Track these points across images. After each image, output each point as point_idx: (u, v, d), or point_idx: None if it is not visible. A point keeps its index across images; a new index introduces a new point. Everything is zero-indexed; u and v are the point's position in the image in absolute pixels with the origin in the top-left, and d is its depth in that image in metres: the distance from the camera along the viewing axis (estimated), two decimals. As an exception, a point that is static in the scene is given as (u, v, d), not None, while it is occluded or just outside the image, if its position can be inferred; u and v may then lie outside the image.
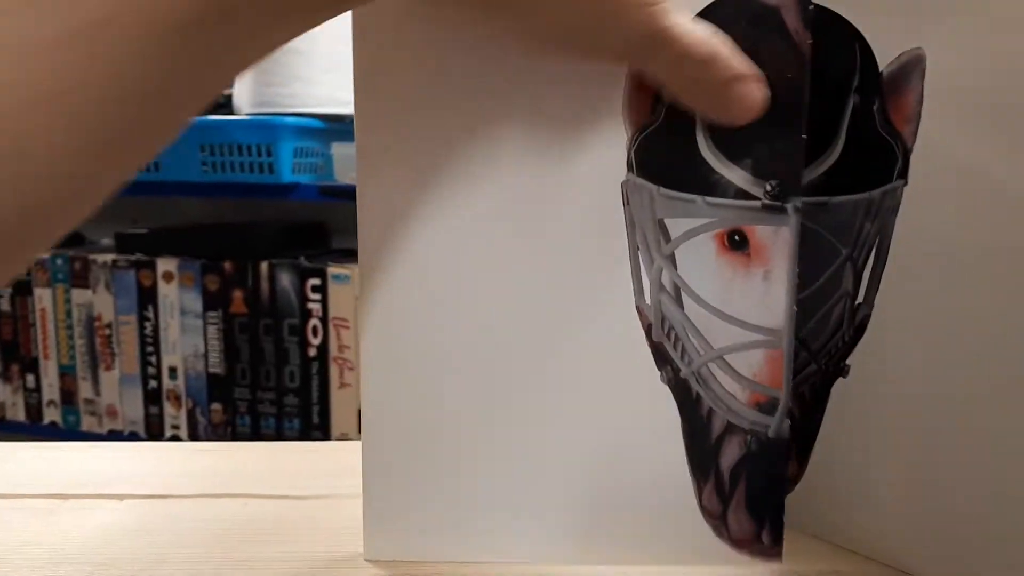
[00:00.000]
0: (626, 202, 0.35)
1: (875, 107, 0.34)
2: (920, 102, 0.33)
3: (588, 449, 0.38)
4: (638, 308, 0.36)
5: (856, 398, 0.38)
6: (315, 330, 1.56)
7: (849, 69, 0.35)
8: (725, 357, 0.38)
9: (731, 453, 0.38)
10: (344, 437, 1.57)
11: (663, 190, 0.36)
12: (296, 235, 1.61)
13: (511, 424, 0.36)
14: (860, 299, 0.36)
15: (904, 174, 0.34)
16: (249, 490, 0.41)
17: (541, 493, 0.37)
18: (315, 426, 1.60)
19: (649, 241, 0.36)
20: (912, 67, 0.33)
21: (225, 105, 1.52)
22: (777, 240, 0.37)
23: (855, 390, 0.38)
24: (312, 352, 1.57)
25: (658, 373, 0.37)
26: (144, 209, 1.70)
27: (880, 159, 0.34)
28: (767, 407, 0.38)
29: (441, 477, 0.35)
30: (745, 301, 0.38)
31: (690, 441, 0.38)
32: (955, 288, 0.35)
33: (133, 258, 1.59)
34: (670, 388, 0.37)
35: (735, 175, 0.37)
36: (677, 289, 0.37)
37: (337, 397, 1.57)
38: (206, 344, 1.61)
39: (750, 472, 0.38)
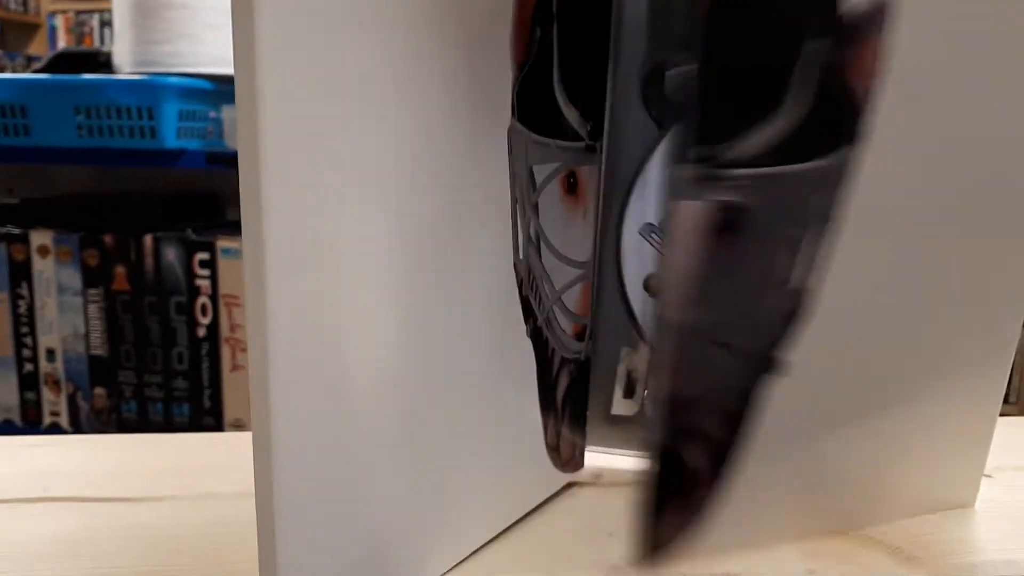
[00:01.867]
0: (509, 151, 0.34)
1: (832, 56, 0.29)
2: (881, 57, 0.28)
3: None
4: (515, 265, 0.35)
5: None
6: (204, 308, 1.51)
7: (803, 7, 0.28)
8: (562, 297, 0.38)
9: (563, 385, 0.39)
10: (238, 423, 1.53)
11: (533, 136, 0.35)
12: (183, 206, 1.56)
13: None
14: (795, 284, 0.31)
15: (852, 139, 0.29)
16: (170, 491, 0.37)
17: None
18: (207, 411, 1.55)
19: (524, 192, 0.35)
20: (876, 13, 0.28)
21: (104, 63, 1.45)
22: (591, 180, 0.38)
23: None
24: (202, 332, 1.52)
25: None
26: (14, 177, 1.61)
27: (831, 121, 0.29)
28: (583, 335, 0.39)
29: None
30: (575, 241, 0.38)
31: (541, 385, 0.38)
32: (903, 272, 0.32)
33: (3, 231, 1.51)
34: (531, 340, 0.37)
35: (573, 116, 0.36)
36: (539, 239, 0.36)
37: (229, 380, 1.52)
38: (87, 324, 1.54)
39: (572, 397, 0.39)
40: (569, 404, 0.39)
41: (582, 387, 0.39)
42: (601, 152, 0.38)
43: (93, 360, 1.56)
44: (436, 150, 0.28)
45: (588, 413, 0.40)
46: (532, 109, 0.34)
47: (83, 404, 1.58)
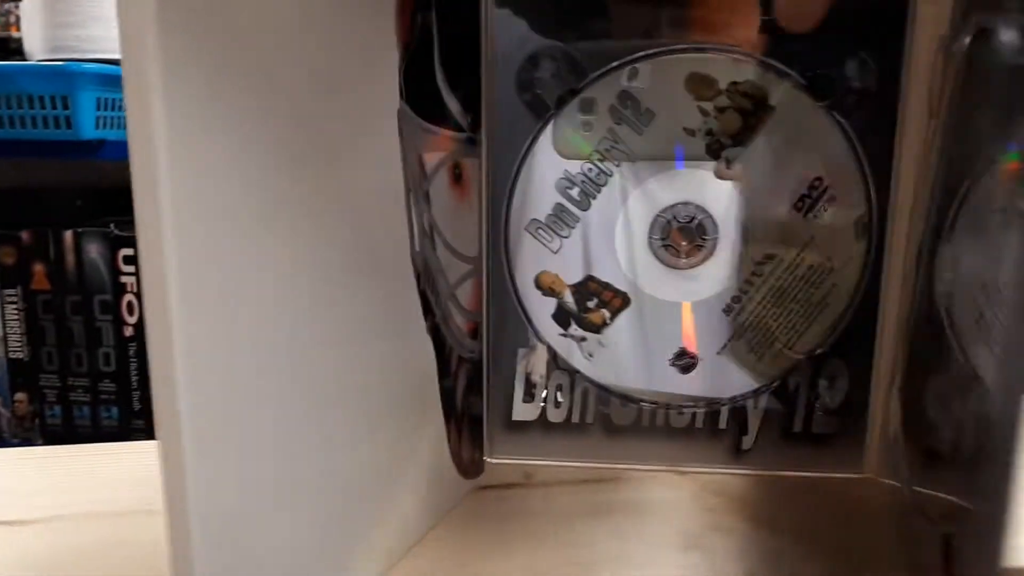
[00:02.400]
0: (400, 134, 0.31)
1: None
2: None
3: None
4: (412, 258, 0.33)
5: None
6: (131, 307, 1.45)
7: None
8: (455, 293, 0.35)
9: (461, 386, 0.37)
10: (170, 426, 1.47)
11: (422, 122, 0.33)
12: (104, 199, 1.49)
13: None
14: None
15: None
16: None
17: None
18: (136, 414, 1.50)
19: (415, 180, 0.33)
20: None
21: (15, 50, 1.38)
22: (475, 172, 0.36)
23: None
24: (129, 332, 1.46)
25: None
26: (-78, 171, 1.53)
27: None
28: (476, 332, 0.37)
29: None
30: (465, 234, 0.36)
31: (441, 386, 0.35)
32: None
33: (-92, 227, 1.43)
34: (431, 338, 0.35)
35: (455, 106, 0.34)
36: (432, 230, 0.34)
37: (159, 381, 1.46)
38: (4, 326, 1.47)
39: (472, 398, 0.37)
40: (467, 407, 0.37)
41: (477, 389, 0.37)
42: (481, 144, 0.35)
43: (13, 364, 1.49)
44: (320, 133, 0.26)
45: (487, 419, 0.38)
46: (418, 94, 0.32)
47: (3, 411, 1.51)
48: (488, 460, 0.38)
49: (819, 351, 0.37)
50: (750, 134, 0.35)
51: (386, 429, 0.31)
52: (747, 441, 0.38)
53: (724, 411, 0.38)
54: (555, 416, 0.38)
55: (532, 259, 0.37)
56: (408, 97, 0.31)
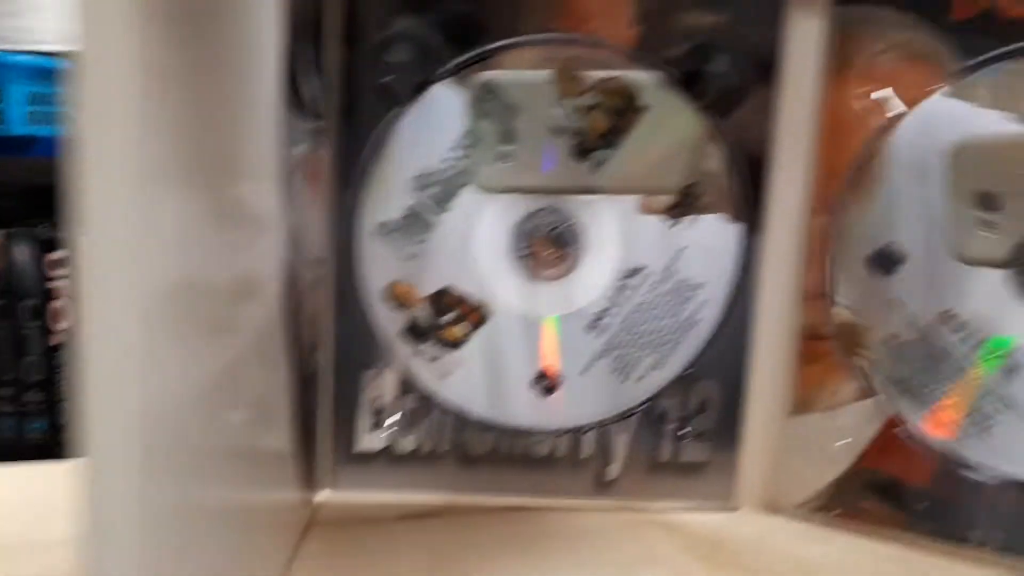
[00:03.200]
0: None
1: None
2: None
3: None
4: (279, 268, 0.30)
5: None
6: (60, 313, 1.41)
7: None
8: (304, 303, 0.33)
9: (307, 407, 0.34)
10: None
11: (290, 114, 0.30)
12: (34, 199, 1.45)
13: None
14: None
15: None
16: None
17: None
18: (65, 426, 1.45)
19: (288, 178, 0.30)
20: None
21: (-55, 41, 1.34)
22: (325, 166, 0.33)
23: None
24: (58, 339, 1.41)
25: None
26: None
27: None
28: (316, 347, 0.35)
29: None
30: (315, 235, 0.34)
31: (292, 409, 0.32)
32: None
33: None
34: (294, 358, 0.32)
35: (312, 91, 0.33)
36: (296, 233, 0.32)
37: (87, 391, 1.42)
38: (-74, 329, 1.42)
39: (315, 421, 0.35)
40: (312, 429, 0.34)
41: (311, 408, 0.34)
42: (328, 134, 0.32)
43: (-65, 369, 1.44)
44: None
45: (330, 449, 0.35)
46: (290, 84, 0.29)
47: (-77, 418, 1.46)
48: (331, 494, 0.35)
49: (689, 371, 0.34)
50: (620, 135, 0.33)
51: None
52: (612, 471, 0.35)
53: (588, 437, 0.35)
54: (404, 446, 0.35)
55: (383, 267, 0.34)
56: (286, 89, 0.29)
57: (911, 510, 0.33)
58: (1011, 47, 0.29)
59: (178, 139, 0.23)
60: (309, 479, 0.34)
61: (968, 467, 0.32)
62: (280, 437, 0.32)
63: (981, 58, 0.30)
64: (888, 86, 0.31)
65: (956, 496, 0.32)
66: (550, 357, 0.35)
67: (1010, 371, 0.31)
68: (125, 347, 0.20)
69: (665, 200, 0.33)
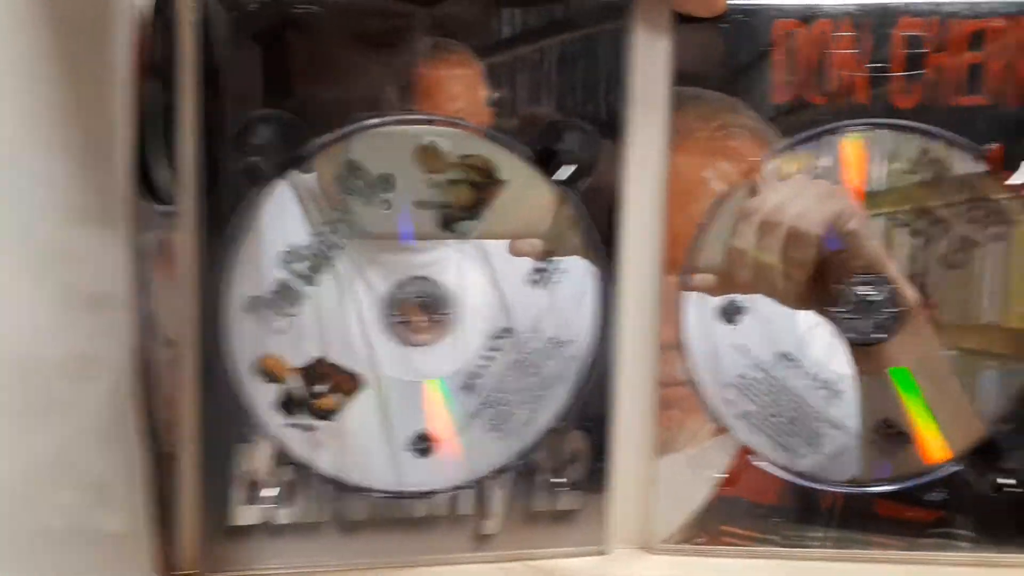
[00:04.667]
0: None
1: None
2: None
3: None
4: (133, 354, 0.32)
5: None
6: None
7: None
8: (161, 382, 0.33)
9: (167, 486, 0.35)
10: None
11: (142, 201, 0.31)
12: None
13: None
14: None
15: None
16: None
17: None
18: None
19: (142, 267, 0.31)
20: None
21: None
22: (180, 247, 0.34)
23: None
24: None
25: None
26: None
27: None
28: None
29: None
30: (172, 317, 0.34)
31: (152, 490, 0.33)
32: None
33: None
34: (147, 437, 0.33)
35: (164, 177, 0.33)
36: (150, 319, 0.32)
37: None
38: None
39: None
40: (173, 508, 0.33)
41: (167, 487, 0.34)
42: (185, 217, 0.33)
43: None
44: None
45: (202, 526, 0.34)
46: (142, 171, 0.30)
47: None
48: (205, 572, 0.34)
49: (560, 424, 0.37)
50: (482, 207, 0.35)
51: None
52: (490, 526, 0.37)
53: (467, 495, 0.37)
54: (282, 518, 0.35)
55: (252, 341, 0.34)
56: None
57: (763, 527, 0.38)
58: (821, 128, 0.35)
59: (21, 222, 0.23)
60: (166, 560, 0.34)
61: (807, 482, 0.37)
62: (126, 518, 0.31)
63: (799, 136, 0.36)
64: (723, 159, 0.36)
65: (799, 508, 0.38)
66: (426, 420, 0.36)
67: (834, 395, 0.37)
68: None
69: (529, 265, 0.36)
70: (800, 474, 0.38)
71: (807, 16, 0.35)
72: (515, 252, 0.36)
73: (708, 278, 0.36)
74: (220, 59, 0.33)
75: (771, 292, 0.36)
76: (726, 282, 0.36)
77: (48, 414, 0.25)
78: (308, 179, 0.34)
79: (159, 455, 0.32)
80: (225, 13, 0.33)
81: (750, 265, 0.36)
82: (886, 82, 0.35)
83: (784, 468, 0.38)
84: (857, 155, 0.36)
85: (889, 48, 0.35)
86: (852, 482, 0.37)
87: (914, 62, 0.35)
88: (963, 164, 0.36)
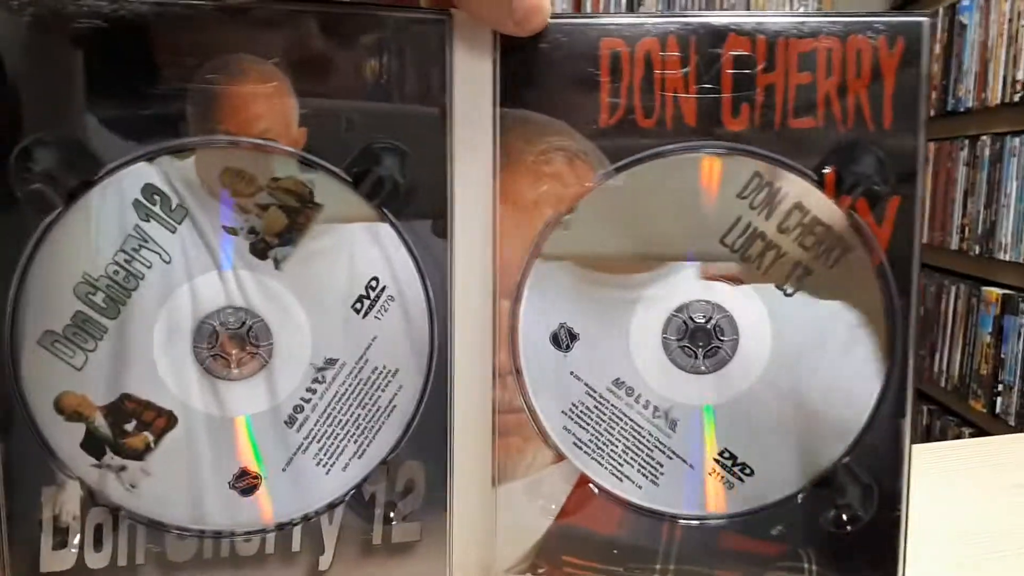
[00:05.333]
0: None
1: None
2: None
3: None
4: None
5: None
6: None
7: None
8: None
9: None
10: None
11: None
12: None
13: None
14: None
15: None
16: None
17: None
18: None
19: None
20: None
21: None
22: None
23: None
24: None
25: None
26: None
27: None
28: None
29: None
30: None
31: None
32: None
33: None
34: None
35: None
36: None
37: None
38: None
39: None
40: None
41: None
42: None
43: None
44: None
45: (8, 573, 0.32)
46: None
47: None
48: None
49: (393, 455, 0.36)
50: (298, 232, 0.34)
51: None
52: (324, 561, 0.36)
53: (297, 531, 0.35)
54: (96, 561, 0.34)
55: (50, 379, 0.32)
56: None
57: (605, 558, 0.37)
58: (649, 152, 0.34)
59: None
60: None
61: (645, 512, 0.36)
62: None
63: (626, 160, 0.34)
64: (552, 182, 0.34)
65: (639, 540, 0.37)
66: (247, 456, 0.35)
67: (673, 425, 0.36)
68: None
69: (352, 293, 0.34)
70: (637, 505, 0.37)
71: (633, 35, 0.33)
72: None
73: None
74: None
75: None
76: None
77: None
78: (104, 203, 0.32)
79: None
80: (7, 24, 0.30)
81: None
82: (716, 104, 0.34)
83: (622, 498, 0.37)
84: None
85: (717, 68, 0.33)
86: (693, 515, 0.37)
87: (743, 83, 0.34)
88: (797, 188, 0.35)
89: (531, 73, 0.34)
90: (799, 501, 0.36)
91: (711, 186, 0.35)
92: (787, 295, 0.36)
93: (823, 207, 0.35)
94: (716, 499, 0.37)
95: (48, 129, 0.31)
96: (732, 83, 0.33)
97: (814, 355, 0.36)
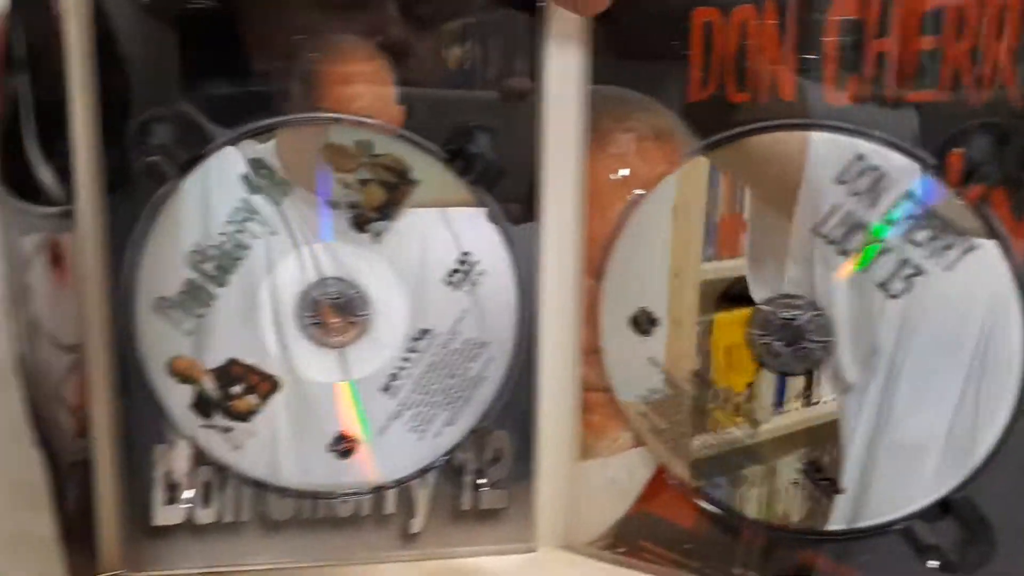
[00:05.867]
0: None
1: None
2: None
3: None
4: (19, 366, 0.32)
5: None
6: None
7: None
8: (59, 390, 0.34)
9: (72, 497, 0.35)
10: None
11: (16, 202, 0.31)
12: None
13: None
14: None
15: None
16: None
17: None
18: None
19: (17, 272, 0.31)
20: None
21: None
22: (74, 249, 0.32)
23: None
24: None
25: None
26: None
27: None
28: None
29: None
30: (67, 322, 0.33)
31: (54, 501, 0.34)
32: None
33: None
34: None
35: (48, 176, 0.32)
36: (35, 326, 0.31)
37: None
38: None
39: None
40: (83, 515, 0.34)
41: (82, 492, 0.34)
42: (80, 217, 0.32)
43: None
44: None
45: (122, 528, 0.35)
46: (13, 170, 0.28)
47: None
48: (127, 574, 0.35)
49: (482, 425, 0.37)
50: (396, 207, 0.35)
51: None
52: (416, 524, 0.37)
53: (390, 495, 0.37)
54: (204, 517, 0.36)
55: (163, 343, 0.34)
56: (3, 176, 0.28)
57: (681, 550, 0.37)
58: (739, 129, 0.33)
59: None
60: (91, 562, 0.34)
61: (724, 510, 0.36)
62: (44, 523, 0.31)
63: (714, 138, 0.33)
64: (637, 162, 0.34)
65: (717, 538, 0.36)
66: (346, 421, 0.36)
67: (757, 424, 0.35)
68: None
69: (445, 266, 0.35)
70: (718, 503, 0.36)
71: (727, 3, 0.32)
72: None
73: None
74: (115, 52, 0.32)
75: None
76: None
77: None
78: (215, 176, 0.33)
79: (70, 462, 0.33)
80: (123, 5, 0.32)
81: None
82: (817, 76, 0.32)
83: (701, 493, 0.36)
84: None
85: (820, 36, 0.31)
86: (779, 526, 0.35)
87: (851, 51, 0.31)
88: (908, 173, 0.32)
89: (620, 49, 0.34)
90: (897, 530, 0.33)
91: (807, 169, 0.32)
92: (891, 296, 0.32)
93: (941, 197, 0.31)
94: (799, 511, 0.35)
95: (164, 105, 0.32)
96: (837, 52, 0.32)
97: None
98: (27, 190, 0.30)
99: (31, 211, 0.30)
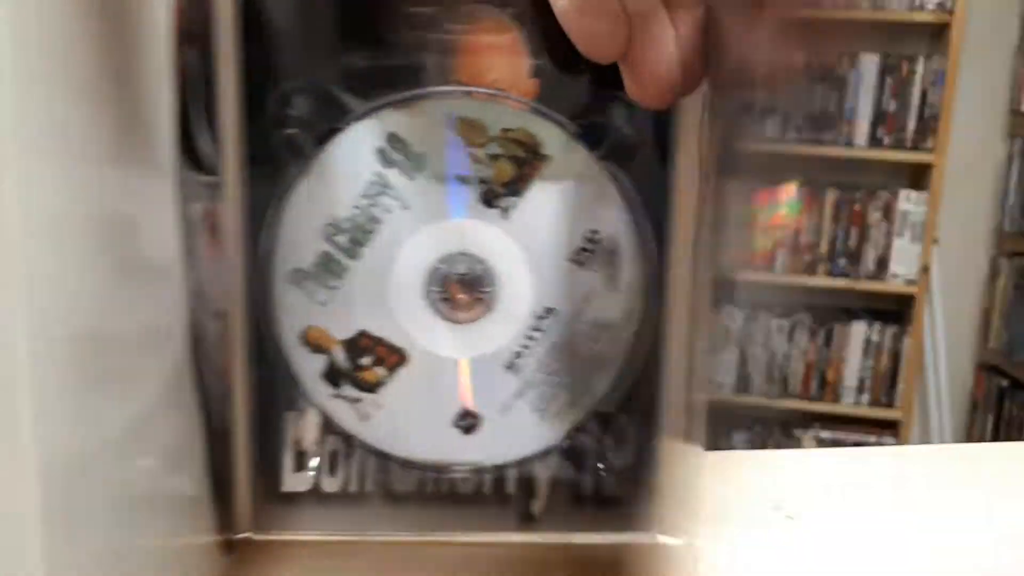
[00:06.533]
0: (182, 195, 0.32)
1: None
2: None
3: None
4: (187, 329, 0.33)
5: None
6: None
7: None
8: (212, 354, 0.34)
9: (219, 457, 0.35)
10: None
11: (187, 171, 0.31)
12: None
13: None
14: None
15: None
16: None
17: None
18: None
19: (188, 241, 0.31)
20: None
21: None
22: (225, 218, 0.34)
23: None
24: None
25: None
26: None
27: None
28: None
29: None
30: (221, 290, 0.34)
31: (207, 462, 0.34)
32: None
33: None
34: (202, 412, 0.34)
35: (208, 145, 0.33)
36: (200, 292, 0.32)
37: None
38: None
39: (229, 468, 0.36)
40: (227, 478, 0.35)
41: (225, 455, 0.35)
42: (227, 187, 0.33)
43: None
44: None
45: (253, 491, 0.36)
46: (184, 140, 0.30)
47: None
48: (254, 536, 0.36)
49: (604, 409, 0.36)
50: (525, 183, 0.35)
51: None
52: (536, 506, 0.37)
53: (511, 473, 0.37)
54: (330, 485, 0.37)
55: (297, 313, 0.35)
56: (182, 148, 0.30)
57: None
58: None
59: (78, 196, 0.24)
60: (227, 523, 0.36)
61: None
62: (194, 484, 0.33)
63: None
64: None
65: None
66: (470, 397, 0.36)
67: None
68: (24, 398, 0.21)
69: (572, 245, 0.35)
70: None
71: None
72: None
73: None
74: (260, 27, 0.33)
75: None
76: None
77: (122, 385, 0.27)
78: (350, 149, 0.34)
79: (216, 426, 0.34)
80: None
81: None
82: None
83: None
84: None
85: None
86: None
87: None
88: None
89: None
90: None
91: None
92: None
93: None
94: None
95: (303, 77, 0.34)
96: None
97: None
98: (193, 159, 0.31)
99: (196, 179, 0.31)
